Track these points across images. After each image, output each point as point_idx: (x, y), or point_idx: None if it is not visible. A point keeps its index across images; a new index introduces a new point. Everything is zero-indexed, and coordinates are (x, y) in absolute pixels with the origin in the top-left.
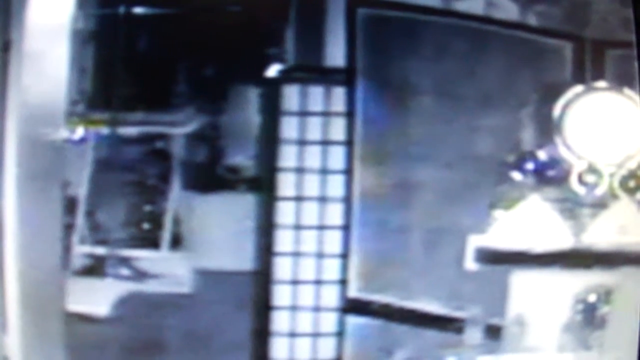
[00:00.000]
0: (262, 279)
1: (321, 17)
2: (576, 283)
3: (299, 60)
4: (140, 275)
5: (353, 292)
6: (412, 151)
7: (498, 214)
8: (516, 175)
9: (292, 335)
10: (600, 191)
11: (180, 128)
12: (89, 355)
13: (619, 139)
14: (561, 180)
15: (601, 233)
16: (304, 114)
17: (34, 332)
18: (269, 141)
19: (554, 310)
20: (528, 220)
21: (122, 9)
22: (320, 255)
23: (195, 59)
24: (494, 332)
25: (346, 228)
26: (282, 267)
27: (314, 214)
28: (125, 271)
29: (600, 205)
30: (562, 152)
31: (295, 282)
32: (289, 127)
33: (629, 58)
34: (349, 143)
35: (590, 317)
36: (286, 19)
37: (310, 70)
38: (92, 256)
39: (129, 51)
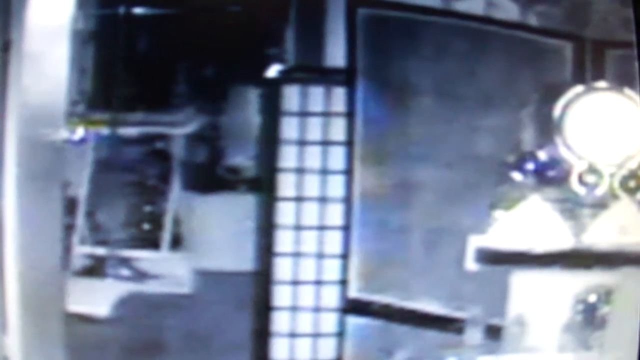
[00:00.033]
0: (262, 279)
1: (321, 17)
2: (576, 283)
3: (299, 60)
4: (141, 275)
5: (353, 292)
6: (412, 151)
7: (498, 214)
8: (516, 176)
9: (293, 335)
10: (600, 191)
11: (180, 128)
12: (89, 355)
13: (619, 139)
14: (561, 180)
15: (601, 233)
16: (304, 114)
17: (34, 332)
18: (269, 141)
19: (554, 310)
20: (528, 221)
21: (122, 9)
22: (320, 256)
23: (195, 59)
24: (494, 333)
25: (346, 228)
26: (282, 268)
27: (314, 215)
28: (125, 272)
29: (600, 205)
30: (563, 152)
31: (295, 283)
32: (289, 128)
33: (629, 58)
34: (349, 143)
35: (590, 318)
36: (286, 19)
37: (311, 71)
38: (92, 256)
39: (129, 51)
